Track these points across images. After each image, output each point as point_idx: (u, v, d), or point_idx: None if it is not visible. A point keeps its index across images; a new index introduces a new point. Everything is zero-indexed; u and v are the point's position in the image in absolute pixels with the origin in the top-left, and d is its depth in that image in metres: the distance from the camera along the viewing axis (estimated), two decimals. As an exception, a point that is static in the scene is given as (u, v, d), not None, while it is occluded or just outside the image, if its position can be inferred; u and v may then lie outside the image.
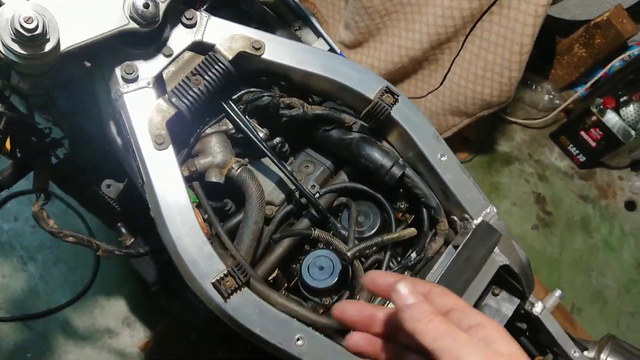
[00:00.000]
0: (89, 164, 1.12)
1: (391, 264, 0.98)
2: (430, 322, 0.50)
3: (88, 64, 0.93)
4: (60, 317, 1.74)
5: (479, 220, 0.95)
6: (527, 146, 2.60)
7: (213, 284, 0.80)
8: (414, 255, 0.97)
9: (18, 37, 0.66)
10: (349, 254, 0.88)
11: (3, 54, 0.68)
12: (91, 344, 1.72)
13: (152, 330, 1.76)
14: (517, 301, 1.01)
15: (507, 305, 1.01)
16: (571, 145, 2.57)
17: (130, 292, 1.79)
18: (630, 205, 2.59)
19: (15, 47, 0.67)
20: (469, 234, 0.93)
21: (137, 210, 0.99)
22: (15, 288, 1.75)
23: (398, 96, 0.94)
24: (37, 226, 1.71)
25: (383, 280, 0.60)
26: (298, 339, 0.81)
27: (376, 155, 0.96)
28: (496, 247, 0.95)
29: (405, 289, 0.53)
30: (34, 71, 0.76)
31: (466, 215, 0.96)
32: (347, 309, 0.64)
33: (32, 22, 0.65)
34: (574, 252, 2.41)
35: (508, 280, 1.02)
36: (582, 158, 2.56)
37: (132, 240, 1.13)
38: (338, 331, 0.88)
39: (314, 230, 0.91)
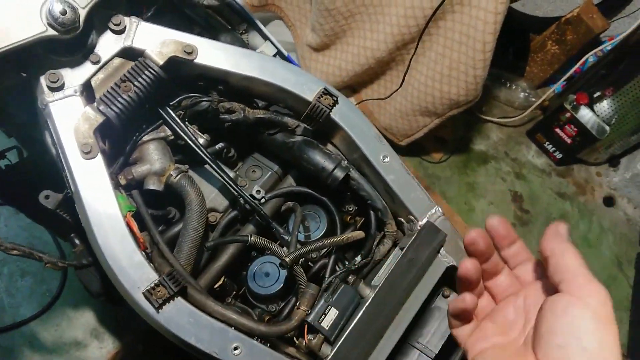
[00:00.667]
0: (35, 175, 1.10)
1: (337, 268, 0.96)
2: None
3: (24, 74, 0.91)
4: (27, 331, 1.71)
5: (424, 221, 0.94)
6: (504, 144, 2.59)
7: (144, 293, 0.78)
8: (359, 258, 0.95)
9: None
10: (287, 259, 0.86)
11: None
12: (59, 357, 1.70)
13: (120, 341, 1.74)
14: (467, 302, 0.99)
15: (457, 306, 0.99)
16: (547, 142, 2.56)
17: (98, 303, 1.76)
18: (608, 201, 2.58)
19: None
20: (414, 235, 0.92)
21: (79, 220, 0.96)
22: (-20, 302, 1.73)
23: (337, 97, 0.93)
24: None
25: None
26: (235, 348, 0.80)
27: (318, 158, 0.95)
28: (442, 249, 0.94)
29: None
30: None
31: (411, 217, 0.95)
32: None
33: None
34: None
35: (459, 281, 1.00)
36: (558, 155, 2.55)
37: (79, 252, 1.11)
38: (280, 338, 0.87)
39: (250, 236, 0.89)
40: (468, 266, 0.61)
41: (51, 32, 0.75)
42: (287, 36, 2.08)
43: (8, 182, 1.10)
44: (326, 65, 2.01)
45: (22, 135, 1.26)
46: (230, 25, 1.14)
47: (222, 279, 0.98)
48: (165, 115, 0.92)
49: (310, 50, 2.03)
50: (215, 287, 0.97)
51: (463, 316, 0.64)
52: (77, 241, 1.20)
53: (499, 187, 2.48)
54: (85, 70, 0.83)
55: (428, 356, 0.95)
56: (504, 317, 0.60)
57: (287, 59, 1.13)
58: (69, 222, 1.13)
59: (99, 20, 0.83)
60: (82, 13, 0.77)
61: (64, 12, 0.74)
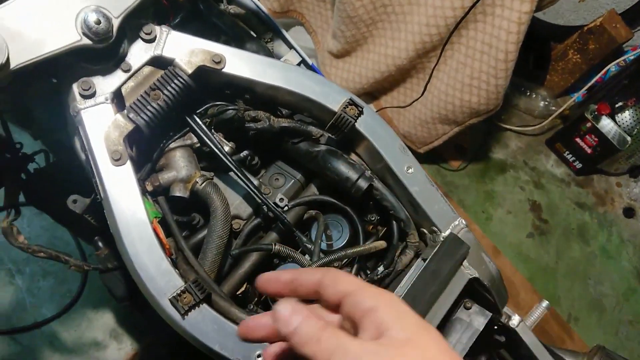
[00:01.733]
0: (62, 179, 1.12)
1: (359, 277, 0.96)
2: (318, 341, 0.45)
3: (55, 80, 0.93)
4: (48, 331, 1.74)
5: (447, 232, 0.94)
6: (523, 153, 2.58)
7: (170, 300, 0.79)
8: (381, 268, 0.96)
9: (-36, 56, 0.66)
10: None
11: (-48, 73, 0.68)
12: (78, 357, 1.72)
13: (139, 342, 1.76)
14: (489, 314, 0.99)
15: (479, 319, 0.99)
16: (567, 152, 2.54)
17: (118, 304, 1.78)
18: (628, 212, 2.55)
19: (-38, 65, 0.67)
20: (437, 247, 0.92)
21: (106, 224, 0.98)
22: (3, 301, 1.76)
23: (362, 108, 0.93)
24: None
25: (276, 280, 0.54)
26: (258, 356, 0.80)
27: (342, 168, 0.95)
28: (465, 260, 0.94)
29: (285, 310, 0.47)
30: (-12, 88, 0.76)
31: (435, 228, 0.95)
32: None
33: (-24, 41, 0.65)
34: (571, 261, 2.37)
35: (480, 293, 1.00)
36: (578, 165, 2.53)
37: (105, 255, 1.13)
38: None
39: (274, 245, 0.90)
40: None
41: (85, 41, 0.76)
42: (308, 42, 2.09)
43: (36, 185, 1.12)
44: (346, 71, 2.02)
45: (47, 139, 1.28)
46: (256, 33, 1.15)
47: (244, 286, 0.99)
48: (192, 123, 0.93)
49: (331, 56, 2.04)
50: (237, 293, 0.98)
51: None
52: (100, 244, 1.22)
53: (517, 196, 2.46)
54: (116, 78, 0.84)
55: (449, 368, 0.95)
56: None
57: (311, 68, 1.14)
58: (93, 225, 1.15)
59: (130, 30, 0.84)
60: (116, 23, 0.78)
61: (98, 22, 0.75)
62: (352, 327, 0.49)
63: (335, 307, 0.50)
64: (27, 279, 1.79)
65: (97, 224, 1.14)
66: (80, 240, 1.85)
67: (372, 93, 2.14)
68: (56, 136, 1.19)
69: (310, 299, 0.53)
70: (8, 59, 0.71)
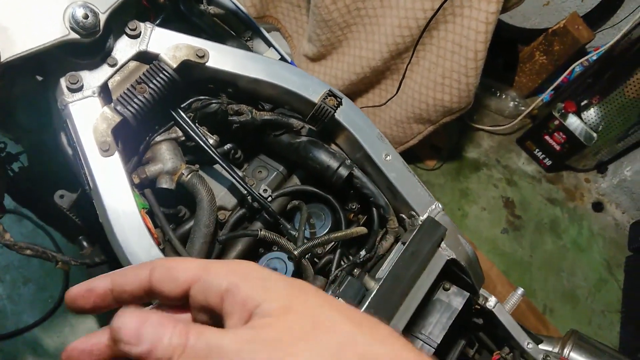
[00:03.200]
0: (46, 177, 1.14)
1: (342, 262, 1.00)
2: (184, 351, 0.35)
3: (40, 78, 0.95)
4: (30, 337, 1.72)
5: (425, 216, 0.98)
6: (495, 152, 2.66)
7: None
8: (363, 252, 0.99)
9: (-45, 48, 0.68)
10: (295, 252, 0.90)
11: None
12: (61, 363, 1.71)
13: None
14: (466, 294, 1.03)
15: (457, 299, 1.04)
16: (537, 149, 2.63)
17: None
18: (597, 207, 2.65)
19: (-46, 59, 0.69)
20: (415, 230, 0.96)
21: (94, 220, 1.00)
22: (-17, 309, 1.74)
23: (341, 99, 0.97)
24: (3, 246, 1.72)
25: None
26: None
27: (323, 157, 0.99)
28: (443, 242, 0.98)
29: (130, 323, 0.36)
30: (-23, 84, 0.78)
31: (413, 212, 0.99)
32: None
33: (-33, 33, 0.67)
34: (544, 254, 2.45)
35: (458, 274, 1.05)
36: (548, 162, 2.62)
37: (90, 250, 1.15)
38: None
39: (260, 230, 0.93)
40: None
41: (73, 35, 0.79)
42: (284, 47, 2.14)
43: (21, 184, 1.13)
44: (322, 74, 2.07)
45: (30, 141, 1.29)
46: (235, 33, 1.19)
47: (231, 275, 1.01)
48: (177, 116, 0.96)
49: (307, 60, 2.09)
50: (224, 282, 1.00)
51: None
52: (85, 243, 1.23)
53: (491, 194, 2.54)
54: (103, 72, 0.87)
55: (431, 346, 0.99)
56: None
57: (290, 64, 1.18)
58: (78, 224, 1.16)
59: (116, 26, 0.87)
60: (102, 18, 0.81)
61: (85, 17, 0.78)
62: (211, 318, 0.39)
63: (180, 304, 0.41)
64: (8, 286, 1.78)
65: (81, 222, 1.16)
66: (60, 246, 1.84)
67: (349, 95, 2.18)
68: (39, 137, 1.20)
69: (142, 303, 0.41)
70: (-1, 52, 0.73)
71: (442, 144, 2.53)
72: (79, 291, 0.41)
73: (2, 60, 0.74)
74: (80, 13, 0.78)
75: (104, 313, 0.43)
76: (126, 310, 0.37)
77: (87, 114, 0.85)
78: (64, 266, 1.10)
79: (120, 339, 0.35)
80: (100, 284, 0.41)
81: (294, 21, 2.09)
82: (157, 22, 1.14)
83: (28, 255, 1.07)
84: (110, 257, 1.10)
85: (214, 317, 0.39)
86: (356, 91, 2.14)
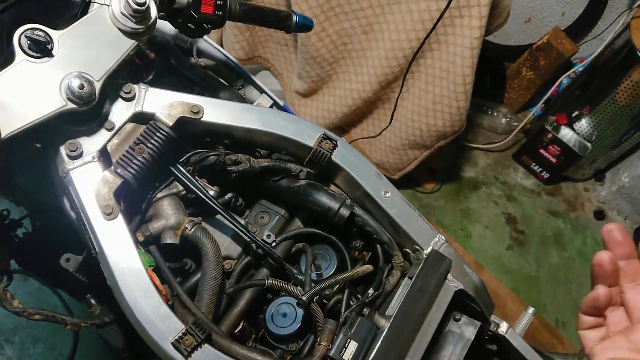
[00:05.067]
0: (50, 239, 1.14)
1: (351, 302, 1.00)
2: None
3: (38, 145, 0.97)
4: (42, 398, 1.71)
5: (429, 249, 0.99)
6: (492, 169, 2.67)
7: (172, 343, 0.81)
8: (371, 291, 1.00)
9: (-43, 130, 0.70)
10: (303, 298, 0.90)
11: (-55, 147, 0.71)
12: (76, 422, 1.69)
13: (137, 399, 1.73)
14: (478, 324, 1.03)
15: (469, 328, 1.04)
16: (534, 163, 2.65)
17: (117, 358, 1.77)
18: (599, 215, 2.65)
19: (-43, 140, 0.71)
20: (421, 264, 0.97)
21: (101, 279, 1.01)
22: (-6, 373, 1.73)
23: (336, 141, 0.99)
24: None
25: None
26: (262, 389, 0.83)
27: (323, 199, 1.00)
28: (449, 274, 0.99)
29: None
30: (-21, 159, 0.79)
31: (417, 246, 1.00)
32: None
33: (-32, 116, 0.69)
34: (551, 267, 2.45)
35: (467, 304, 1.05)
36: (545, 175, 2.64)
37: (99, 310, 1.15)
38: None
39: (267, 279, 0.93)
40: (603, 256, 0.60)
41: (70, 105, 0.81)
42: (275, 85, 2.17)
43: (27, 249, 1.14)
44: (315, 109, 2.10)
45: (31, 203, 1.30)
46: (227, 82, 1.21)
47: (241, 324, 1.01)
48: (176, 172, 0.97)
49: (299, 96, 2.12)
50: (235, 332, 1.01)
51: (594, 312, 0.63)
52: (93, 301, 1.24)
53: (492, 211, 2.54)
54: (101, 137, 0.88)
55: (447, 379, 0.99)
56: None
57: (283, 109, 1.20)
58: (84, 283, 1.17)
59: (110, 90, 0.89)
60: (97, 85, 0.83)
61: (81, 87, 0.80)
62: None
63: None
64: (17, 348, 1.77)
65: (88, 281, 1.16)
66: (67, 303, 1.83)
67: (342, 127, 2.21)
68: (40, 199, 1.21)
69: None
70: (-1, 129, 0.75)
71: (438, 166, 2.55)
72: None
73: (2, 136, 0.75)
74: (76, 84, 0.80)
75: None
76: None
77: (88, 179, 0.86)
78: (73, 327, 1.10)
79: None
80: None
81: (282, 59, 2.12)
82: (150, 78, 1.16)
83: (37, 320, 1.07)
84: (120, 316, 1.10)
85: None
86: (350, 122, 2.17)
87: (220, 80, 1.20)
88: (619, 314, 0.63)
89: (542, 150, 2.56)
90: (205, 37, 1.21)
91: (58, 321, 1.05)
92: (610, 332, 0.63)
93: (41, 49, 0.79)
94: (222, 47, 1.23)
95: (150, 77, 1.18)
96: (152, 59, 1.18)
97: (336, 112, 2.06)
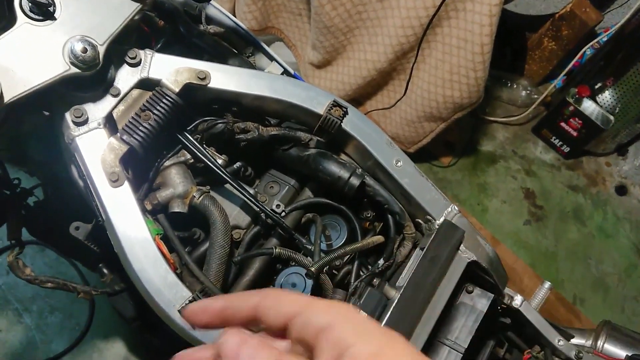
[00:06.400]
0: (62, 209, 1.15)
1: (361, 273, 0.99)
2: None
3: (47, 113, 0.96)
4: (60, 366, 1.75)
5: (442, 219, 0.97)
6: (510, 143, 2.62)
7: (179, 311, 0.81)
8: (381, 261, 0.98)
9: (-41, 94, 0.69)
10: (312, 268, 0.89)
11: (-52, 112, 0.71)
12: (93, 389, 1.73)
13: (152, 368, 1.76)
14: (491, 296, 1.01)
15: (482, 301, 1.02)
16: (554, 137, 2.58)
17: (128, 332, 1.80)
18: (620, 190, 2.59)
19: (-41, 104, 0.70)
20: (433, 235, 0.95)
21: (109, 247, 1.01)
22: (13, 341, 1.76)
23: (346, 108, 0.96)
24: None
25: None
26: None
27: (333, 168, 0.98)
28: (462, 245, 0.96)
29: (232, 343, 0.41)
30: (-16, 125, 0.79)
31: (429, 217, 0.98)
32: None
33: (-31, 79, 0.68)
34: (570, 243, 2.40)
35: (480, 276, 1.03)
36: (566, 149, 2.57)
37: (110, 279, 1.15)
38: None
39: (275, 248, 0.92)
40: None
41: (74, 70, 0.79)
42: (289, 56, 2.14)
43: (38, 218, 1.14)
44: (329, 80, 2.06)
45: (43, 174, 1.30)
46: (236, 50, 1.19)
47: (250, 294, 1.00)
48: (184, 140, 0.96)
49: (313, 67, 2.08)
50: (244, 302, 1.00)
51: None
52: (105, 271, 1.24)
53: (510, 186, 2.50)
54: (107, 103, 0.87)
55: (458, 352, 0.97)
56: None
57: (294, 77, 1.17)
58: (96, 252, 1.17)
59: (116, 56, 0.87)
60: (101, 50, 0.81)
61: (84, 50, 0.78)
62: (307, 351, 0.42)
63: (281, 333, 0.44)
64: (35, 317, 1.80)
65: (99, 250, 1.16)
66: (84, 274, 1.86)
67: (357, 99, 2.17)
68: (51, 169, 1.21)
69: (248, 327, 0.46)
70: (1, 93, 0.73)
71: (455, 139, 2.50)
72: (196, 308, 0.47)
73: (5, 101, 0.74)
74: (79, 47, 0.78)
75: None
76: (230, 330, 0.42)
77: (94, 146, 0.85)
78: (85, 296, 1.11)
79: (222, 354, 0.40)
80: (214, 305, 0.46)
81: (296, 30, 2.08)
82: (159, 46, 1.14)
83: (49, 287, 1.08)
84: (130, 284, 1.10)
85: (309, 351, 0.41)
86: (364, 94, 2.13)
87: (230, 47, 1.18)
88: None
89: (562, 124, 2.50)
90: (214, 3, 1.18)
91: (69, 289, 1.06)
92: None
93: (43, 11, 0.78)
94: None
95: (159, 45, 1.16)
96: (161, 27, 1.16)
97: (351, 84, 2.02)
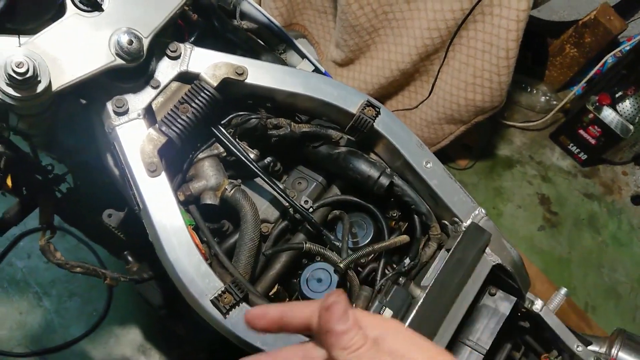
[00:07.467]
0: (92, 196, 1.17)
1: (386, 271, 1.00)
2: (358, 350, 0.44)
3: (84, 101, 0.98)
4: (77, 350, 1.77)
5: (468, 222, 0.98)
6: (528, 148, 2.62)
7: (212, 301, 0.83)
8: (407, 261, 0.99)
9: (11, 81, 0.71)
10: (341, 264, 0.90)
11: (-1, 98, 0.73)
12: (109, 374, 1.76)
13: (168, 356, 1.79)
14: (513, 299, 1.03)
15: (504, 304, 1.03)
16: (571, 144, 2.58)
17: (144, 320, 1.82)
18: (636, 200, 2.58)
19: (10, 91, 0.72)
20: (460, 237, 0.96)
21: (140, 236, 1.03)
22: (33, 324, 1.80)
23: (379, 108, 0.98)
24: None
25: (272, 312, 0.52)
26: (298, 350, 0.84)
27: (363, 167, 1.00)
28: (487, 247, 0.97)
29: (340, 308, 0.45)
30: (30, 112, 0.81)
31: (456, 219, 0.99)
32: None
33: (22, 67, 0.70)
34: (583, 250, 2.40)
35: (504, 279, 1.04)
36: (583, 156, 2.57)
37: (137, 267, 1.17)
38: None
39: (305, 243, 0.94)
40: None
41: (119, 61, 0.81)
42: (311, 54, 2.15)
43: (69, 203, 1.16)
44: (351, 79, 2.07)
45: (72, 160, 1.32)
46: (269, 46, 1.20)
47: (276, 287, 1.02)
48: (218, 133, 0.97)
49: (335, 65, 2.09)
50: (270, 294, 1.02)
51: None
52: (130, 258, 1.26)
53: (526, 191, 2.50)
54: (147, 94, 0.89)
55: (480, 353, 0.98)
56: None
57: (324, 75, 1.18)
58: (122, 240, 1.19)
59: (157, 48, 0.89)
60: (146, 42, 0.83)
61: (130, 42, 0.80)
62: None
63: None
64: (55, 301, 1.83)
65: (127, 238, 1.19)
66: (102, 261, 1.89)
67: (378, 98, 2.18)
68: (81, 156, 1.23)
69: (301, 333, 0.51)
70: (50, 82, 0.75)
71: (473, 142, 2.50)
72: (256, 313, 0.52)
73: (53, 89, 0.76)
74: (125, 39, 0.80)
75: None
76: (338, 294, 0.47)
77: (133, 136, 0.87)
78: (112, 282, 1.13)
79: (331, 312, 0.45)
80: (273, 312, 0.51)
81: (320, 27, 2.09)
82: (192, 39, 1.16)
83: (78, 272, 1.10)
84: (158, 273, 1.12)
85: None
86: (385, 94, 2.14)
87: (262, 43, 1.19)
88: None
89: (581, 131, 2.49)
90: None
91: (99, 275, 1.08)
92: None
93: (92, 2, 0.79)
94: (262, 11, 1.22)
95: (192, 38, 1.17)
96: (195, 21, 1.17)
97: (372, 83, 2.03)
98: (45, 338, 1.78)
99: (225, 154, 1.00)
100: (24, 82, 0.71)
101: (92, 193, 1.22)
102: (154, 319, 1.82)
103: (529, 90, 2.68)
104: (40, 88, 0.74)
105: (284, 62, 1.17)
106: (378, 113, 0.97)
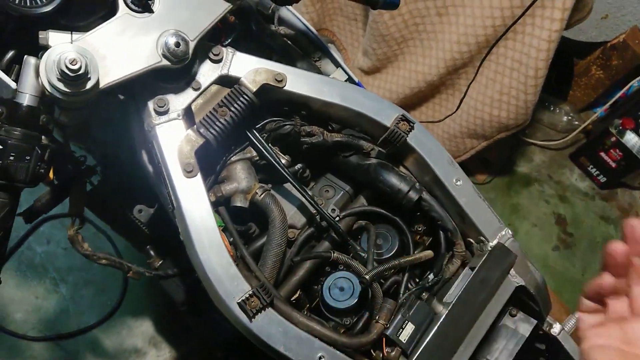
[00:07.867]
0: (119, 189, 1.19)
1: (409, 285, 1.01)
2: None
3: (121, 97, 1.00)
4: (90, 337, 1.79)
5: (495, 242, 0.98)
6: (547, 167, 2.61)
7: (239, 303, 0.84)
8: (431, 276, 1.00)
9: (63, 77, 0.72)
10: (367, 276, 0.91)
11: (49, 92, 0.74)
12: (119, 364, 1.78)
13: (177, 350, 1.80)
14: (534, 322, 1.03)
15: (524, 325, 1.03)
16: (591, 166, 2.57)
17: (157, 313, 1.84)
18: (653, 226, 2.56)
19: (60, 86, 0.74)
20: (485, 256, 0.96)
21: (167, 234, 1.04)
22: (48, 308, 1.82)
23: (414, 124, 0.98)
24: (68, 248, 1.79)
25: None
26: (320, 357, 0.85)
27: (393, 180, 1.00)
28: (512, 269, 0.98)
29: None
30: (74, 106, 0.83)
31: (482, 238, 1.00)
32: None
33: (76, 64, 0.71)
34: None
35: (525, 301, 1.04)
36: (602, 179, 2.56)
37: (160, 262, 1.19)
38: (357, 350, 0.92)
39: (333, 252, 0.95)
40: (617, 247, 0.61)
41: (165, 62, 0.83)
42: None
43: (99, 196, 1.18)
44: (377, 88, 2.08)
45: (100, 153, 1.34)
46: (304, 53, 1.21)
47: (298, 292, 1.03)
48: (252, 137, 0.98)
49: (361, 73, 2.10)
50: (292, 299, 1.03)
51: (595, 298, 0.64)
52: (152, 253, 1.28)
53: (542, 210, 2.49)
54: (187, 96, 0.90)
55: (497, 373, 0.99)
56: (635, 332, 0.58)
57: (357, 85, 1.19)
58: (146, 235, 1.21)
59: (200, 51, 0.90)
60: (192, 45, 0.84)
61: (177, 45, 0.82)
62: None
63: None
64: (71, 288, 1.86)
65: (152, 234, 1.20)
66: (119, 251, 1.91)
67: (402, 108, 2.19)
68: (112, 150, 1.25)
69: None
70: (98, 79, 0.77)
71: (493, 158, 2.50)
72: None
73: (101, 86, 0.78)
74: (172, 41, 0.81)
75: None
76: None
77: (172, 136, 0.89)
78: (136, 276, 1.15)
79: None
80: None
81: (349, 34, 2.10)
82: (228, 41, 1.17)
83: (103, 264, 1.12)
84: (183, 270, 1.13)
85: None
86: (409, 104, 2.14)
87: (299, 50, 1.20)
88: (620, 305, 0.62)
89: (602, 153, 2.48)
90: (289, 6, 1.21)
91: (123, 268, 1.10)
92: (607, 321, 0.63)
93: (143, 3, 0.81)
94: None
95: (229, 40, 1.19)
96: (232, 23, 1.19)
97: (397, 93, 2.04)
98: (60, 324, 1.80)
99: (257, 158, 1.02)
100: (76, 78, 0.73)
101: (119, 186, 1.24)
102: (166, 312, 1.84)
103: (552, 109, 2.67)
104: (89, 85, 0.75)
105: (318, 70, 1.19)
106: (412, 128, 0.98)
